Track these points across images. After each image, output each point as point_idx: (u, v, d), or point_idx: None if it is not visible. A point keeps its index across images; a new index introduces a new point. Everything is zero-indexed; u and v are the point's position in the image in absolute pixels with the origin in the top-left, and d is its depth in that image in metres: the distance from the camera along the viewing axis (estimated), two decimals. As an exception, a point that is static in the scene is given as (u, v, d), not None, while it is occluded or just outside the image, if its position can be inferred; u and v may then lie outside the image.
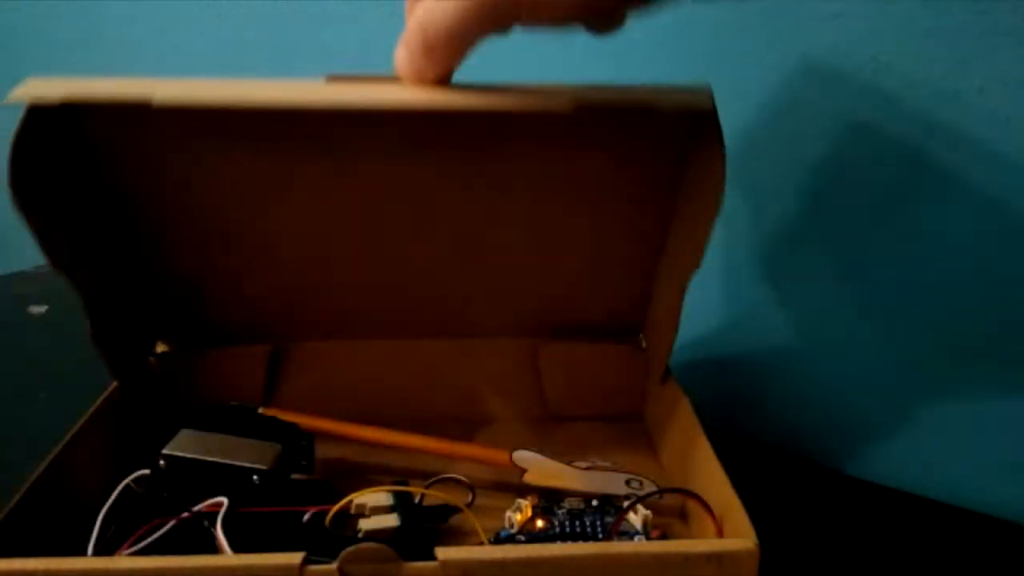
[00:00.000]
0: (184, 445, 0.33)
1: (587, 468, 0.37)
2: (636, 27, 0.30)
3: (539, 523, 0.34)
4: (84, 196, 0.37)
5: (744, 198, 0.44)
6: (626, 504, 0.34)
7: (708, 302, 0.47)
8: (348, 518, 0.33)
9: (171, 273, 0.41)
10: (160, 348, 0.43)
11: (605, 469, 0.37)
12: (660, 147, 0.37)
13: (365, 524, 0.32)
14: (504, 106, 0.30)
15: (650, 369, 0.43)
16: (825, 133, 0.40)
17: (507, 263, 0.42)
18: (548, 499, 0.36)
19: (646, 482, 0.36)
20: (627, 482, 0.36)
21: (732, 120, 0.42)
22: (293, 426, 0.35)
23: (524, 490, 0.36)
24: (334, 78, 0.31)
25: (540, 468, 0.36)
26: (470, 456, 0.37)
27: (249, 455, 0.33)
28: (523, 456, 0.36)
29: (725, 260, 0.46)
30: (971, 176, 0.37)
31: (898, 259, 0.40)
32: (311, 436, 0.36)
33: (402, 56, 0.29)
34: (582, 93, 0.30)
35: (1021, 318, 0.38)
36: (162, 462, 0.32)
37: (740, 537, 0.28)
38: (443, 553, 0.26)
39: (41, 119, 0.32)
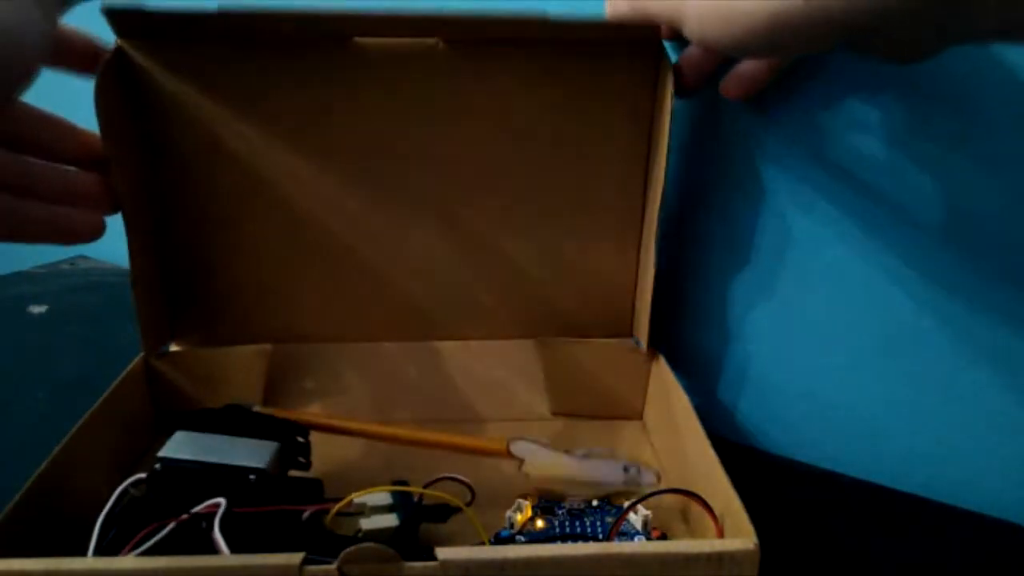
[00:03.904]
0: (180, 447, 0.33)
1: (584, 455, 0.37)
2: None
3: (539, 523, 0.34)
4: (140, 153, 0.39)
5: (740, 200, 0.44)
6: (626, 504, 0.34)
7: (704, 305, 0.47)
8: (348, 517, 0.33)
9: (174, 271, 0.41)
10: (174, 347, 0.43)
11: (602, 457, 0.37)
12: (637, 105, 0.39)
13: (365, 524, 0.32)
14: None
15: (645, 358, 0.43)
16: (817, 133, 0.40)
17: (507, 263, 0.42)
18: (548, 499, 0.36)
19: (644, 469, 0.36)
20: (625, 468, 0.36)
21: (724, 120, 0.42)
22: (290, 423, 0.35)
23: (524, 489, 0.36)
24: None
25: (537, 457, 0.36)
26: (468, 447, 0.37)
27: (245, 455, 0.32)
28: (520, 446, 0.36)
29: (724, 263, 0.46)
30: (972, 174, 0.37)
31: (895, 258, 0.40)
32: (307, 432, 0.36)
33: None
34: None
35: (1020, 316, 0.38)
36: (158, 465, 0.32)
37: (740, 537, 0.28)
38: (443, 553, 0.26)
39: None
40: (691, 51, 0.38)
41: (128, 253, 0.38)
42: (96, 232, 0.36)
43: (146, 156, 0.38)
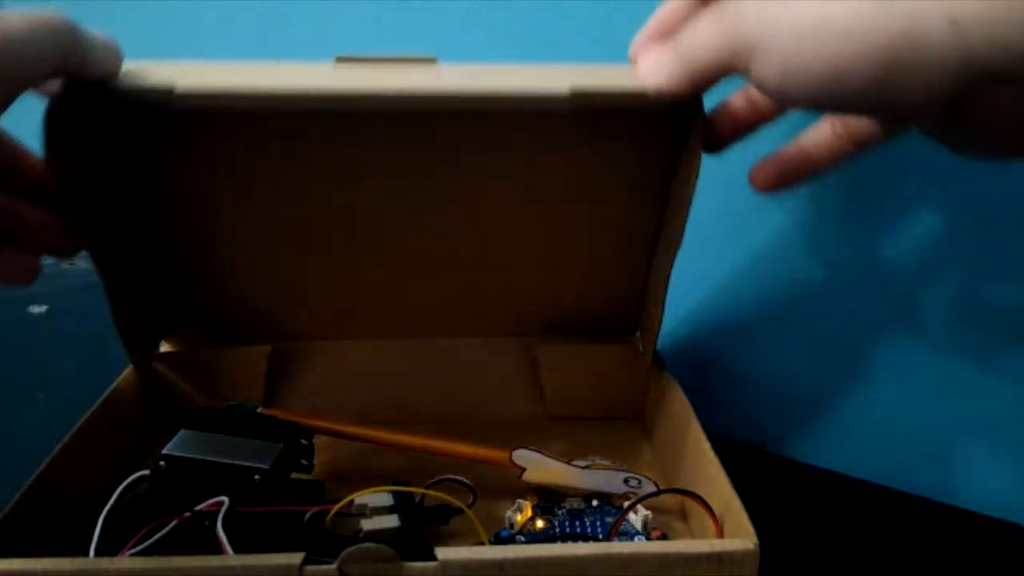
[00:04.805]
0: (184, 445, 0.33)
1: (586, 467, 0.37)
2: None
3: (539, 523, 0.34)
4: (107, 180, 0.36)
5: (739, 202, 0.44)
6: (626, 504, 0.34)
7: (705, 306, 0.47)
8: (349, 518, 0.33)
9: (172, 272, 0.41)
10: (164, 347, 0.43)
11: (604, 468, 0.37)
12: (651, 137, 0.36)
13: (366, 524, 0.33)
14: (502, 93, 0.30)
15: (645, 360, 0.43)
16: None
17: (506, 263, 0.42)
18: (548, 499, 0.36)
19: (644, 481, 0.36)
20: (625, 480, 0.36)
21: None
22: (293, 425, 0.35)
23: (524, 490, 0.36)
24: (343, 59, 0.31)
25: (539, 467, 0.36)
26: (470, 456, 0.37)
27: (250, 455, 0.32)
28: (523, 455, 0.36)
29: (725, 264, 0.46)
30: (962, 174, 0.37)
31: (896, 259, 0.40)
32: (311, 435, 0.36)
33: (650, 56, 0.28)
34: (579, 81, 0.29)
35: (1020, 316, 0.38)
36: (162, 463, 0.32)
37: (740, 537, 0.28)
38: (443, 553, 0.26)
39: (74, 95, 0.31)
40: (732, 102, 0.32)
41: (101, 277, 0.35)
42: (28, 276, 0.31)
43: (121, 172, 0.36)
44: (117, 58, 0.29)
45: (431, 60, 0.33)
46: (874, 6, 0.21)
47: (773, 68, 0.23)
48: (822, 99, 0.23)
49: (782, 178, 0.33)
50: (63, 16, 0.26)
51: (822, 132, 0.32)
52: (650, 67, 0.28)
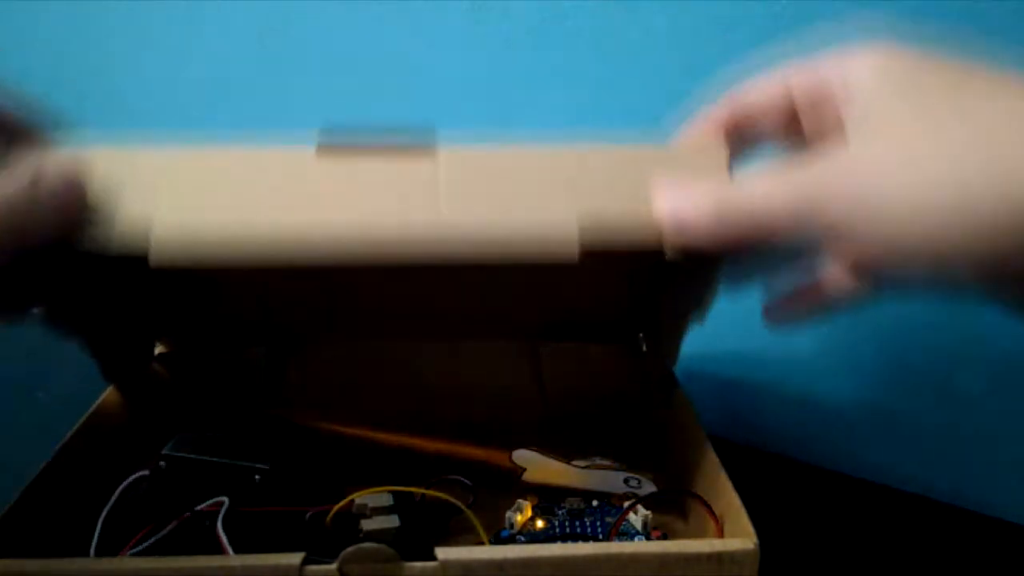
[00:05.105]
0: (184, 445, 0.33)
1: (586, 467, 0.37)
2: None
3: (539, 523, 0.34)
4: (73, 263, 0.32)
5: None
6: (626, 504, 0.34)
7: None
8: (349, 518, 0.33)
9: (171, 274, 0.41)
10: (159, 349, 0.43)
11: (604, 467, 0.37)
12: None
13: (366, 524, 0.33)
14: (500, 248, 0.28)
15: (645, 361, 0.43)
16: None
17: (507, 264, 0.42)
18: (548, 499, 0.36)
19: (644, 481, 0.36)
20: (625, 480, 0.36)
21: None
22: (294, 425, 0.35)
23: (524, 490, 0.36)
24: (326, 149, 0.28)
25: (539, 467, 0.36)
26: (470, 456, 0.37)
27: (250, 454, 0.33)
28: (523, 455, 0.36)
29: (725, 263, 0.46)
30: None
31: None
32: (312, 435, 0.36)
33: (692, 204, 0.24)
34: (587, 227, 0.27)
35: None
36: (162, 463, 0.32)
37: (740, 537, 0.28)
38: (443, 553, 0.26)
39: None
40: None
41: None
42: None
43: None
44: (74, 215, 0.25)
45: (430, 150, 0.29)
46: (984, 180, 0.18)
47: (870, 249, 0.21)
48: (923, 278, 0.21)
49: (797, 317, 0.30)
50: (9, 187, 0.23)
51: (839, 274, 0.28)
52: (683, 214, 0.24)
